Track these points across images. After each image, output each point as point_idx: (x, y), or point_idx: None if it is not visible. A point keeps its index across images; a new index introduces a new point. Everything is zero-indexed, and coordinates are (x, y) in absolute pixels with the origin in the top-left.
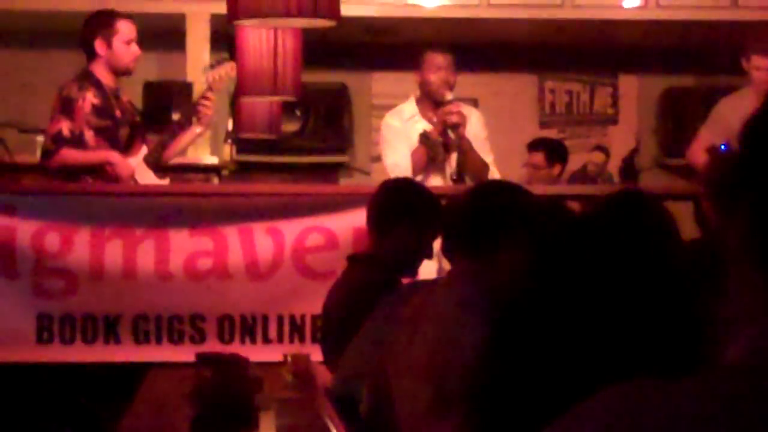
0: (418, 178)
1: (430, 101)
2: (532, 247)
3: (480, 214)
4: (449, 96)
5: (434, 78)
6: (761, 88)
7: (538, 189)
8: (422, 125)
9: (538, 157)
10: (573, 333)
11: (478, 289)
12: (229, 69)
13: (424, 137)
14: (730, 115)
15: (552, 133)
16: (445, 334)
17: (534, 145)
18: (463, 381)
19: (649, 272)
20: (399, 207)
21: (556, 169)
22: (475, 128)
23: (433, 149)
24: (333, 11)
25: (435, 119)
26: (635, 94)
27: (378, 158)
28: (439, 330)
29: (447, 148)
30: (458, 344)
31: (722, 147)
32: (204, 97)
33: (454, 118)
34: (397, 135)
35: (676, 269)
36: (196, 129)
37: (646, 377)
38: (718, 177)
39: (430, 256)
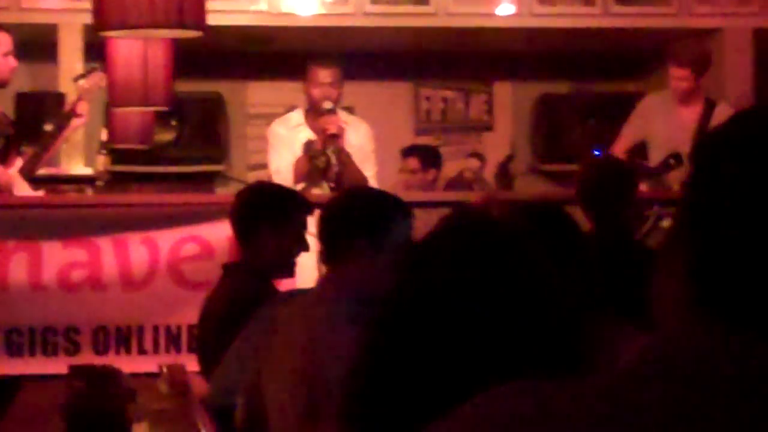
0: (300, 187)
1: (316, 112)
2: (403, 250)
3: (349, 221)
4: (328, 105)
5: (316, 92)
6: (678, 96)
7: (415, 196)
8: (307, 134)
9: (413, 163)
10: (448, 335)
11: (349, 295)
12: (98, 79)
13: (307, 146)
14: (649, 114)
15: (428, 140)
16: (317, 341)
17: (408, 151)
18: (337, 387)
19: (528, 274)
20: (253, 212)
21: (431, 174)
22: (362, 140)
23: (314, 159)
24: (199, 22)
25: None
26: (510, 101)
27: (254, 167)
28: (310, 337)
29: (327, 158)
30: (330, 351)
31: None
32: (75, 107)
33: (332, 129)
34: (281, 142)
35: (558, 272)
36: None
37: (525, 379)
38: (589, 183)
39: (306, 248)
